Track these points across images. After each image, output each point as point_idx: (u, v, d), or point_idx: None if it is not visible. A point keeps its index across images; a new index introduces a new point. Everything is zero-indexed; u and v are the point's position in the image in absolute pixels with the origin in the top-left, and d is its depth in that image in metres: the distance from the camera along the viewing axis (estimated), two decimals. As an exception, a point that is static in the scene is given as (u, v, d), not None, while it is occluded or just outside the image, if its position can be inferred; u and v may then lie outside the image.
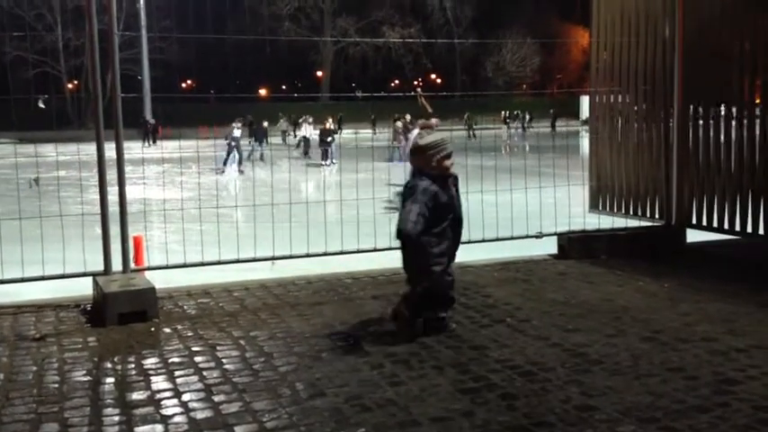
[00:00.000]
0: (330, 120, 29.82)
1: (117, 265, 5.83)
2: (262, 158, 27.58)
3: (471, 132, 41.82)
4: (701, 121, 7.36)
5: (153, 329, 5.15)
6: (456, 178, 4.91)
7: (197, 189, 10.31)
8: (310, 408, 3.73)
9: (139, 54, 47.66)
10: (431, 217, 4.65)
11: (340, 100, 57.64)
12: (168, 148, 24.20)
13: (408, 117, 29.09)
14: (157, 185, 15.02)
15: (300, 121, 35.16)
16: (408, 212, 4.61)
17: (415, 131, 18.41)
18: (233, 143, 25.77)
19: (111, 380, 4.23)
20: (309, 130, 33.41)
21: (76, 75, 57.02)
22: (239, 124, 27.04)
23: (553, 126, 45.09)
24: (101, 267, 5.81)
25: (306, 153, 31.89)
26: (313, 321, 5.24)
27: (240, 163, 25.61)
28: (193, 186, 16.17)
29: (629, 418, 3.52)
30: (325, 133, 28.74)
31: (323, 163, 27.49)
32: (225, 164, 25.10)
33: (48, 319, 5.42)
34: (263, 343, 4.78)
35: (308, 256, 6.69)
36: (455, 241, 4.91)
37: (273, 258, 6.65)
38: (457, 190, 4.90)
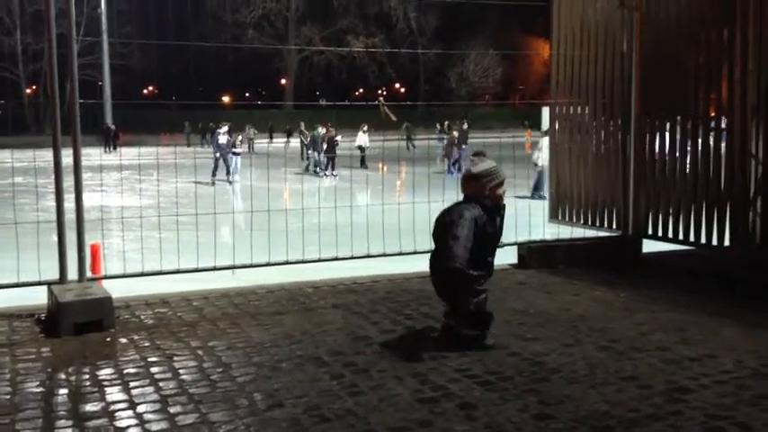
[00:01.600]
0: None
1: (73, 273, 5.74)
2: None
3: (410, 143, 40.16)
4: (657, 134, 7.50)
5: (109, 339, 5.08)
6: (504, 207, 4.92)
7: (156, 197, 10.20)
8: (268, 419, 3.70)
9: (100, 59, 47.13)
10: (474, 246, 4.59)
11: (304, 108, 57.51)
12: (129, 154, 23.76)
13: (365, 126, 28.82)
14: (116, 192, 14.84)
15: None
16: (454, 248, 4.52)
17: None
18: (219, 152, 23.87)
19: (64, 391, 4.16)
20: (365, 139, 30.45)
21: (35, 80, 56.16)
22: (225, 129, 24.74)
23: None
24: (56, 276, 5.71)
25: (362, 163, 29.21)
26: (273, 331, 5.21)
27: (229, 173, 23.61)
28: (153, 194, 16.01)
29: (585, 427, 3.56)
30: (331, 142, 27.23)
31: (327, 173, 26.05)
32: (213, 174, 23.10)
33: (1, 329, 5.31)
34: (221, 353, 4.74)
35: (268, 264, 6.66)
36: (492, 260, 4.92)
37: (234, 267, 6.61)
38: (502, 217, 4.90)
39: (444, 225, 4.74)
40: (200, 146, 38.70)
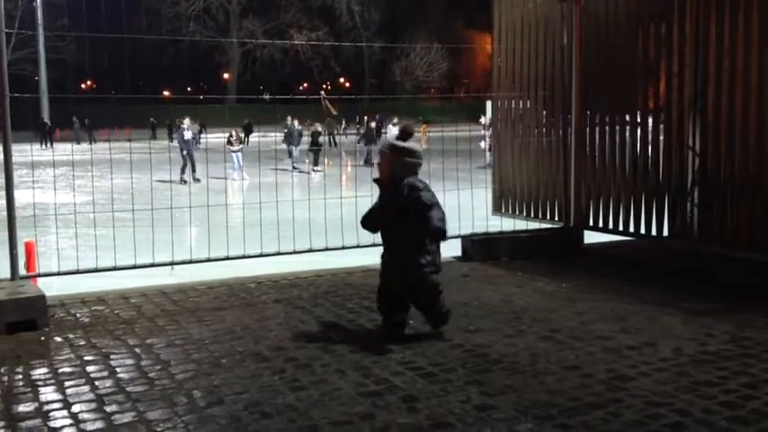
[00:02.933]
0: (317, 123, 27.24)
1: (5, 272, 5.55)
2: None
3: (331, 139, 38.81)
4: (597, 127, 7.59)
5: (43, 339, 4.92)
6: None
7: (93, 193, 9.94)
8: (207, 416, 3.62)
9: (35, 53, 45.86)
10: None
11: (248, 102, 56.91)
12: (65, 150, 23.03)
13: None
14: (53, 189, 14.45)
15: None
16: (440, 214, 4.67)
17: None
18: (185, 148, 22.40)
19: (-5, 392, 4.01)
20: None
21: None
22: (188, 123, 23.35)
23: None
24: (-12, 275, 5.52)
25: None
26: (213, 327, 5.12)
27: (194, 170, 22.06)
28: (90, 190, 15.58)
29: (527, 417, 3.57)
30: (315, 135, 26.34)
31: (314, 169, 24.63)
32: (183, 172, 21.78)
33: (-73, 330, 5.10)
34: (159, 350, 4.63)
35: (208, 260, 6.55)
36: None
37: (173, 264, 6.47)
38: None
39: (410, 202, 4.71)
40: (171, 141, 37.33)
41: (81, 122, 42.07)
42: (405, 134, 4.97)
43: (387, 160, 4.88)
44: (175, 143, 24.76)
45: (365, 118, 34.51)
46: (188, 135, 23.08)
